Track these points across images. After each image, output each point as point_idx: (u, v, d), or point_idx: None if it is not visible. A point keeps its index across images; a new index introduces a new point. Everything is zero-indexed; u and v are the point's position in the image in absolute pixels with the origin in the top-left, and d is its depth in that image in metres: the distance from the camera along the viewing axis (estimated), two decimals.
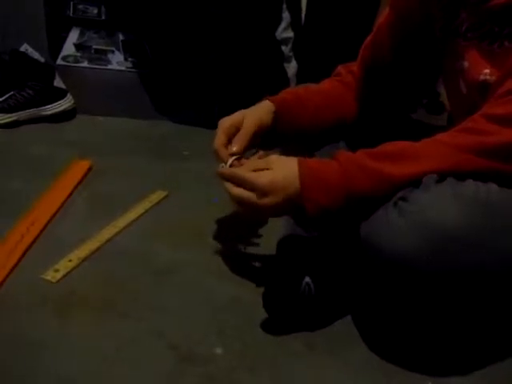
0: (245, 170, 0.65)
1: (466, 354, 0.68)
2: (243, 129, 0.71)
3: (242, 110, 0.74)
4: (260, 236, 0.88)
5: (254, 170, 0.64)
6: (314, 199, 0.62)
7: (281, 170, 0.63)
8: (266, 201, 0.62)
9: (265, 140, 0.75)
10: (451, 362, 0.67)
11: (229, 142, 0.71)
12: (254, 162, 0.67)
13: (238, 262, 0.82)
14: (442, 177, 0.60)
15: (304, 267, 0.71)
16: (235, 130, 0.72)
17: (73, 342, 0.66)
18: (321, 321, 0.71)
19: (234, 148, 0.70)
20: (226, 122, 0.72)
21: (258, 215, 0.67)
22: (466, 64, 0.65)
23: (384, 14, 0.76)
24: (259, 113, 0.73)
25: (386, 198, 0.61)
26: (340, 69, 0.83)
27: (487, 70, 0.62)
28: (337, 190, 0.61)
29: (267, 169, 0.64)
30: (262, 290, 0.71)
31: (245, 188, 0.63)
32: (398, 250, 0.58)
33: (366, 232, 0.62)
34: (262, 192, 0.62)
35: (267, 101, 0.75)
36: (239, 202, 0.64)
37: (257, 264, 0.82)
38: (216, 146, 0.71)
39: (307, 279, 0.70)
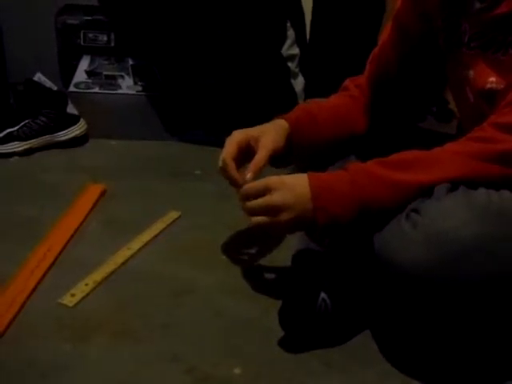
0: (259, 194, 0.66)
1: (487, 367, 0.67)
2: (259, 154, 0.71)
3: (258, 127, 0.74)
4: (274, 253, 0.87)
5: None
6: (324, 208, 0.62)
7: (291, 179, 0.65)
8: (278, 197, 0.63)
9: (278, 158, 0.75)
10: (474, 376, 0.66)
11: (238, 154, 0.71)
12: (266, 182, 0.67)
13: (252, 280, 0.82)
14: (453, 186, 0.59)
15: (319, 283, 0.70)
16: (246, 144, 0.72)
17: (89, 367, 0.66)
18: (338, 337, 0.70)
19: (249, 175, 0.70)
20: (239, 135, 0.72)
21: (274, 224, 0.65)
22: (471, 73, 0.65)
23: (387, 28, 0.77)
24: (275, 135, 0.73)
25: (398, 210, 0.60)
26: (347, 83, 0.83)
27: (493, 79, 0.62)
28: (347, 199, 0.61)
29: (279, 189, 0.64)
30: (278, 307, 0.70)
31: (258, 196, 0.64)
32: (412, 262, 0.58)
33: (379, 245, 0.62)
34: (273, 189, 0.63)
35: (282, 120, 0.75)
36: (255, 211, 0.65)
37: (272, 281, 0.82)
38: (224, 156, 0.71)
39: (323, 295, 0.69)
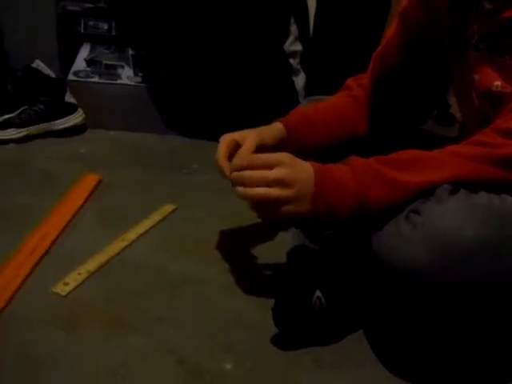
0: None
1: (480, 369, 0.67)
2: (244, 145, 0.71)
3: (248, 129, 0.74)
4: (269, 250, 0.87)
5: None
6: (325, 198, 0.61)
7: (299, 160, 0.63)
8: (295, 170, 0.61)
9: None
10: (465, 377, 0.66)
11: (230, 155, 0.71)
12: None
13: (247, 275, 0.81)
14: (454, 188, 0.59)
15: (314, 281, 0.70)
16: (235, 143, 0.72)
17: (81, 357, 0.65)
18: (331, 336, 0.70)
19: (237, 162, 0.68)
20: (227, 137, 0.73)
21: (282, 202, 0.62)
22: (476, 75, 0.65)
23: (393, 26, 0.76)
24: (262, 133, 0.73)
25: (397, 210, 0.60)
26: (350, 82, 0.82)
27: (498, 83, 0.61)
28: (347, 193, 0.61)
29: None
30: (272, 304, 0.70)
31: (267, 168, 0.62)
32: (410, 263, 0.57)
33: (377, 245, 0.61)
34: (287, 164, 0.62)
35: (278, 123, 0.75)
36: (266, 184, 0.62)
37: (267, 278, 0.82)
38: (217, 157, 0.71)
39: (318, 293, 0.69)
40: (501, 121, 0.60)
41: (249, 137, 0.71)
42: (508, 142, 0.58)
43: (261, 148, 0.71)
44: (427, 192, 0.59)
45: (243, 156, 0.68)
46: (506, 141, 0.58)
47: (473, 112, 0.68)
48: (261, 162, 0.63)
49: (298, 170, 0.62)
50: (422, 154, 0.61)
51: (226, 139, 0.72)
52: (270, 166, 0.62)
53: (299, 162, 0.63)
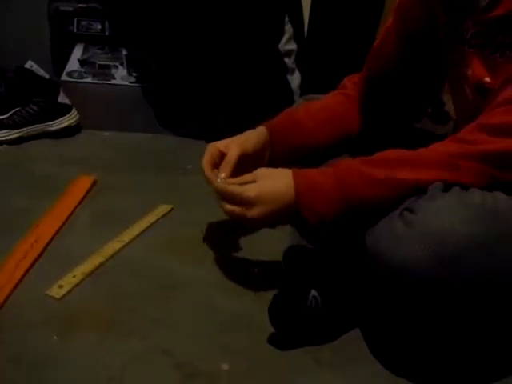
0: (233, 185, 0.67)
1: (477, 368, 0.67)
2: (227, 156, 0.73)
3: (232, 138, 0.75)
4: (265, 249, 0.87)
5: (242, 184, 0.66)
6: (310, 206, 0.62)
7: (269, 181, 0.65)
8: (254, 212, 0.64)
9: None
10: (463, 376, 0.66)
11: (214, 163, 0.73)
12: (243, 176, 0.68)
13: (243, 275, 0.81)
14: (447, 186, 0.59)
15: (310, 280, 0.70)
16: (219, 152, 0.74)
17: (77, 360, 0.65)
18: (328, 335, 0.70)
19: (222, 175, 0.71)
20: (211, 146, 0.75)
21: (252, 226, 0.70)
22: (469, 71, 0.65)
23: (388, 22, 0.76)
24: (246, 138, 0.74)
25: (390, 207, 0.60)
26: (345, 81, 0.82)
27: (488, 79, 0.62)
28: (332, 196, 0.61)
29: (255, 181, 0.66)
30: (268, 304, 0.70)
31: (234, 202, 0.65)
32: (405, 262, 0.57)
33: (371, 243, 0.61)
34: (249, 204, 0.64)
35: (262, 127, 0.76)
36: (231, 216, 0.67)
37: (263, 277, 0.81)
38: (202, 164, 0.74)
39: (313, 292, 0.69)
40: (484, 116, 0.60)
41: (231, 148, 0.73)
42: (485, 138, 0.58)
43: (244, 157, 0.72)
44: (416, 190, 0.59)
45: (226, 167, 0.71)
46: (483, 136, 0.58)
47: (466, 107, 0.68)
48: (229, 196, 0.66)
49: (267, 202, 0.64)
50: (405, 154, 0.61)
51: (210, 149, 0.74)
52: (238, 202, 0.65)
53: (266, 187, 0.64)
